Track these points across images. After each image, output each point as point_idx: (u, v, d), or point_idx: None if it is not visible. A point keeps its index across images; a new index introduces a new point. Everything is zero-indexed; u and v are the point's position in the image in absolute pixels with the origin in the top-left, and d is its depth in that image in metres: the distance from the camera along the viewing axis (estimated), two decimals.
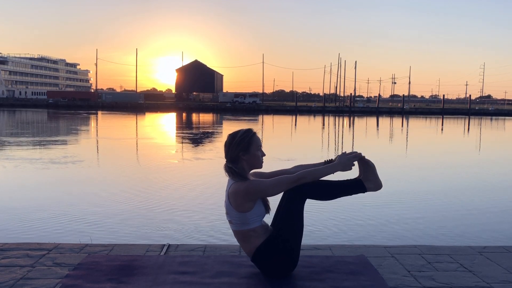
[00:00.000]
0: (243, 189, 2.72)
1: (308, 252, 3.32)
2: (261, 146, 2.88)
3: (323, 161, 3.01)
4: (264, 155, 2.90)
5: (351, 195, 2.92)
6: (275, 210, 2.96)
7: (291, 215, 2.80)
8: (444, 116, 62.09)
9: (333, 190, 2.86)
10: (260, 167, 2.89)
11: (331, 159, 2.98)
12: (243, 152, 2.80)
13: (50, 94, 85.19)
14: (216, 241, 5.53)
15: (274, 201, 2.89)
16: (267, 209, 2.85)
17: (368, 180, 2.91)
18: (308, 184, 2.78)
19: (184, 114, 54.46)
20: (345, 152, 2.87)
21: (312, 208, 7.13)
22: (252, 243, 2.78)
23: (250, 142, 2.82)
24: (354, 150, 2.87)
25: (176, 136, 24.59)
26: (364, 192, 2.91)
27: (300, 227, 2.84)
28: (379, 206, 7.17)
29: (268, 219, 2.91)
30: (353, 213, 6.83)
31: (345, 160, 2.79)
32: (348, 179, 2.95)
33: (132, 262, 3.07)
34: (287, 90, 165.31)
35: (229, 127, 34.20)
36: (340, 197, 2.90)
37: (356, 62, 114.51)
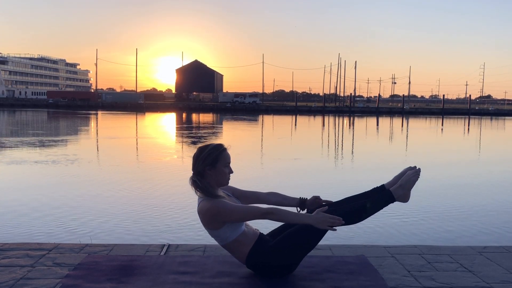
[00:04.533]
0: (208, 209, 2.67)
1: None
2: (229, 163, 2.81)
3: (298, 197, 3.00)
4: (232, 172, 2.82)
5: (380, 210, 2.83)
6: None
7: (303, 240, 2.71)
8: (444, 116, 62.09)
9: (362, 214, 2.77)
10: (226, 184, 2.83)
11: (306, 198, 2.99)
12: (209, 167, 2.75)
13: (50, 94, 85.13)
14: (216, 241, 5.52)
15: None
16: None
17: (400, 186, 2.83)
18: (338, 211, 2.70)
19: (184, 114, 54.45)
20: (326, 207, 2.75)
21: None
22: (241, 252, 2.74)
23: (217, 158, 2.76)
24: (337, 216, 2.66)
25: (176, 135, 24.59)
26: (392, 202, 2.84)
27: (308, 251, 2.77)
28: None
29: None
30: None
31: (320, 217, 2.63)
32: (375, 193, 2.89)
33: (132, 262, 3.07)
34: (287, 90, 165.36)
35: (229, 127, 34.20)
36: (369, 217, 2.82)
37: (356, 62, 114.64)
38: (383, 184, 2.98)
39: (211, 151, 2.78)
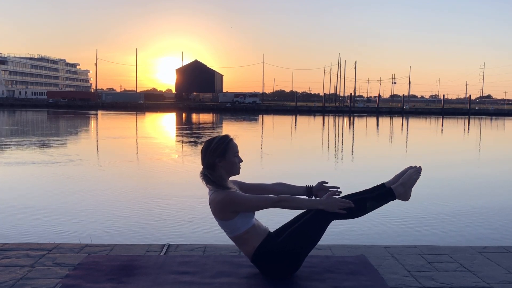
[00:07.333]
0: (220, 199, 2.68)
1: None
2: (238, 152, 2.83)
3: (305, 185, 3.01)
4: (241, 161, 2.84)
5: (380, 207, 2.84)
6: (293, 217, 2.91)
7: (310, 232, 2.74)
8: (444, 116, 62.08)
9: (362, 209, 2.78)
10: (238, 173, 2.85)
11: (312, 185, 2.99)
12: (219, 159, 2.76)
13: (50, 94, 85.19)
14: (216, 241, 5.53)
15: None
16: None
17: (401, 184, 2.85)
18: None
19: (184, 114, 54.46)
20: (335, 191, 2.80)
21: None
22: (250, 245, 2.75)
23: (226, 149, 2.77)
24: (345, 199, 2.75)
25: (176, 135, 24.59)
26: (393, 200, 2.85)
27: (314, 243, 2.78)
28: None
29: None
30: None
31: (331, 201, 2.69)
32: (376, 190, 2.90)
33: (132, 262, 3.07)
34: (287, 90, 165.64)
35: (229, 127, 34.21)
36: (369, 213, 2.83)
37: (356, 62, 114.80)
38: (383, 183, 2.98)
39: (218, 142, 2.79)
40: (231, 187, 2.78)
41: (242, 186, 2.95)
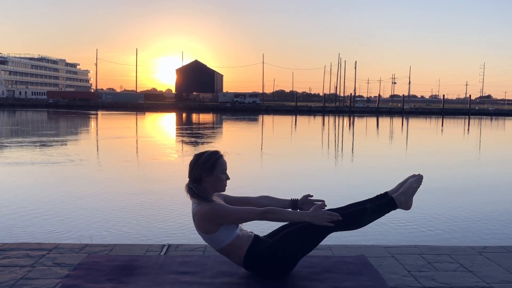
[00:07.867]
0: (205, 211, 2.68)
1: None
2: (226, 169, 2.82)
3: (290, 199, 2.99)
4: (228, 178, 2.83)
5: (381, 216, 2.83)
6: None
7: (301, 237, 2.72)
8: (444, 116, 62.08)
9: (364, 219, 2.78)
10: (223, 190, 2.84)
11: (297, 199, 2.97)
12: (206, 174, 2.75)
13: (50, 94, 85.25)
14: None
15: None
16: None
17: (401, 193, 2.83)
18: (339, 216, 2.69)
19: (184, 114, 54.46)
20: (321, 204, 2.77)
21: None
22: (237, 255, 2.75)
23: (215, 164, 2.77)
24: (333, 212, 2.69)
25: (176, 135, 24.58)
26: (394, 209, 2.84)
27: (310, 249, 2.77)
28: None
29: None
30: None
31: (319, 214, 2.66)
32: (378, 200, 2.88)
33: (132, 262, 3.07)
34: (287, 90, 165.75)
35: (229, 127, 34.20)
36: (370, 222, 2.82)
37: (356, 62, 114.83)
38: (386, 192, 2.96)
39: (208, 157, 2.79)
40: (215, 200, 2.76)
41: (226, 199, 2.94)
